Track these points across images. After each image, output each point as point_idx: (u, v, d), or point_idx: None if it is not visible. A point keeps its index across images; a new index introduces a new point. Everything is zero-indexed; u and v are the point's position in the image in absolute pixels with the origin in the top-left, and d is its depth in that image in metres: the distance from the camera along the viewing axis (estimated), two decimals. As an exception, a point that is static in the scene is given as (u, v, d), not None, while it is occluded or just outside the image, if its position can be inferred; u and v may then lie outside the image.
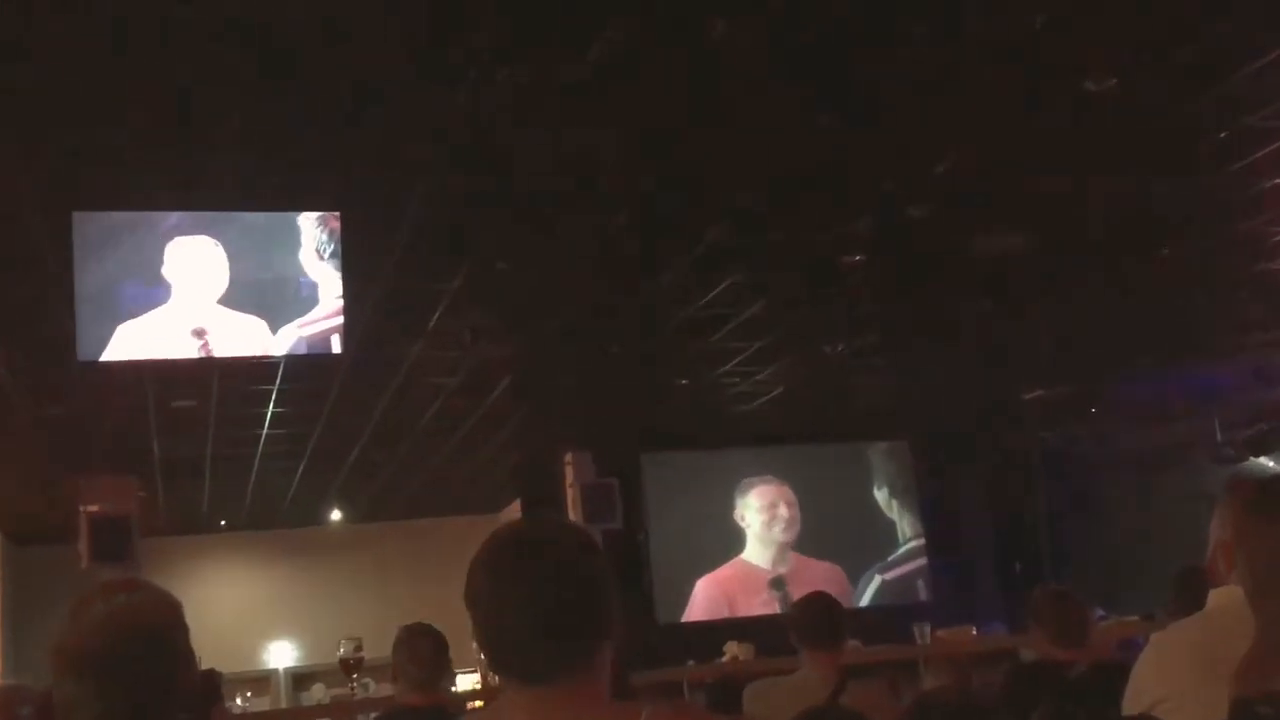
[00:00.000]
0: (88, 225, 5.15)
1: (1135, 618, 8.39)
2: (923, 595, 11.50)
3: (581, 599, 1.68)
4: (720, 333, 7.96)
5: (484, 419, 9.40)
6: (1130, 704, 2.30)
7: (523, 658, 1.68)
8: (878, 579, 11.46)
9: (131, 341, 5.20)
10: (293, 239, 5.39)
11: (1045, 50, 4.77)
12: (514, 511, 12.62)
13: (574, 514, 9.79)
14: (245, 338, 5.42)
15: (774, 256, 6.81)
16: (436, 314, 7.02)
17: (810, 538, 11.27)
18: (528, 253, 6.38)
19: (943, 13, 4.50)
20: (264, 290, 5.40)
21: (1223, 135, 5.72)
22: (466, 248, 6.26)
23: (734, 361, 8.71)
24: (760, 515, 11.24)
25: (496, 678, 1.91)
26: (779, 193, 5.94)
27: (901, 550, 11.63)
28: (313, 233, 5.39)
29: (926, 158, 5.67)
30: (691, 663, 8.52)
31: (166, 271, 5.16)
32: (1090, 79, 4.96)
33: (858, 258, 6.70)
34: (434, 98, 4.69)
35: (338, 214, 5.42)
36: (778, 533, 11.22)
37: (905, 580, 11.55)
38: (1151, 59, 4.98)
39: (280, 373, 7.43)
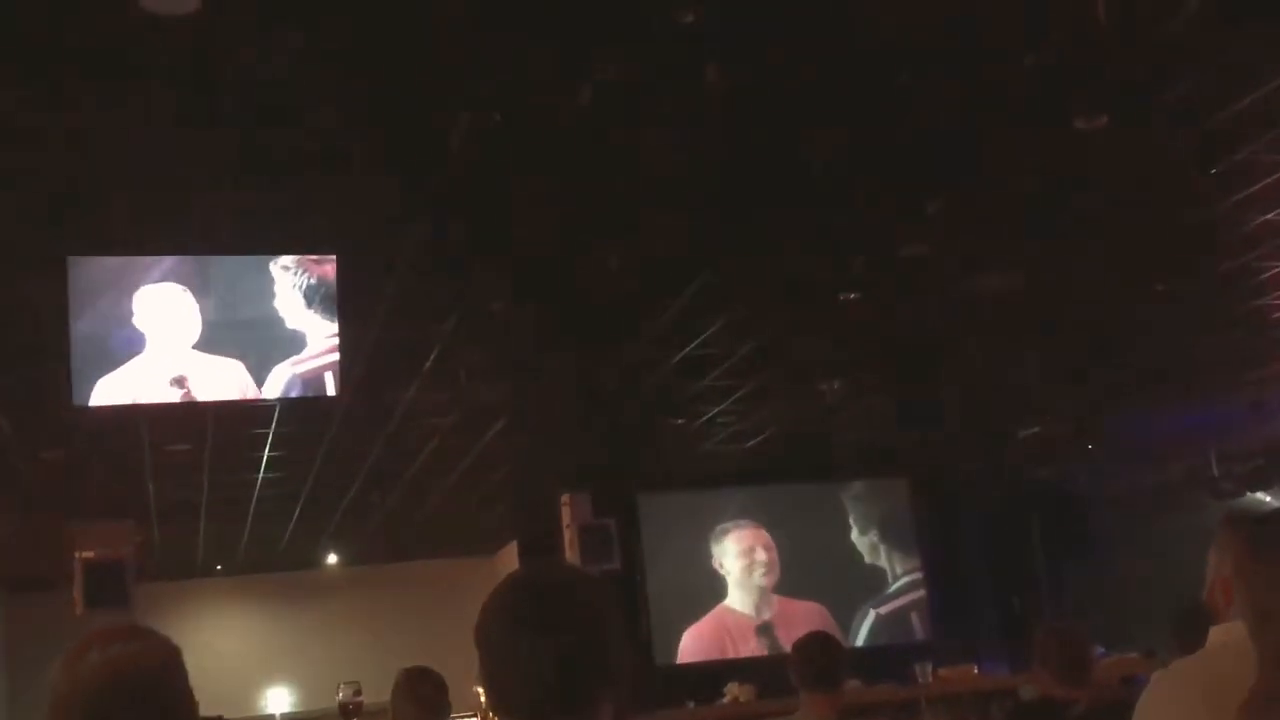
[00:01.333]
0: (82, 270, 5.16)
1: (1135, 654, 8.35)
2: (917, 629, 11.43)
3: (596, 645, 1.66)
4: (715, 372, 7.95)
5: (480, 460, 9.37)
6: (1133, 743, 2.28)
7: (534, 702, 1.64)
8: (872, 613, 11.39)
9: (113, 392, 5.21)
10: (270, 282, 5.39)
11: (1035, 89, 4.80)
12: (511, 553, 12.55)
13: (571, 555, 9.72)
14: (226, 381, 5.41)
15: (770, 295, 6.82)
16: (431, 356, 7.01)
17: (801, 578, 11.17)
18: (522, 294, 6.38)
19: (931, 54, 4.53)
20: (245, 332, 5.39)
21: (1214, 171, 5.74)
22: (461, 290, 6.26)
23: (729, 400, 8.70)
24: (739, 561, 11.13)
25: (497, 720, 1.88)
26: (772, 232, 5.96)
27: (894, 586, 11.57)
28: (289, 279, 5.37)
29: (919, 197, 5.70)
30: (692, 704, 8.48)
31: (137, 321, 5.18)
32: (1080, 118, 4.99)
33: (853, 295, 6.71)
34: (430, 142, 4.71)
35: (333, 257, 5.42)
36: (758, 578, 11.12)
37: (899, 614, 11.46)
38: (1142, 96, 5.01)
39: (275, 416, 7.41)
